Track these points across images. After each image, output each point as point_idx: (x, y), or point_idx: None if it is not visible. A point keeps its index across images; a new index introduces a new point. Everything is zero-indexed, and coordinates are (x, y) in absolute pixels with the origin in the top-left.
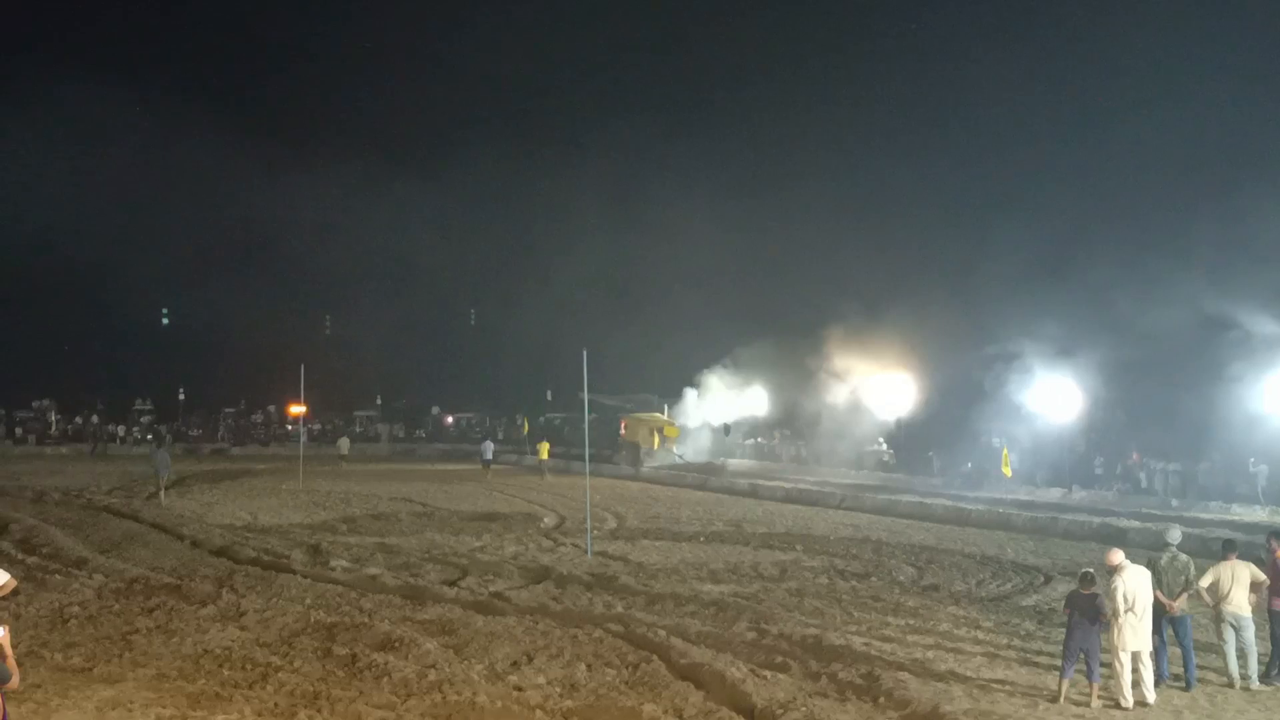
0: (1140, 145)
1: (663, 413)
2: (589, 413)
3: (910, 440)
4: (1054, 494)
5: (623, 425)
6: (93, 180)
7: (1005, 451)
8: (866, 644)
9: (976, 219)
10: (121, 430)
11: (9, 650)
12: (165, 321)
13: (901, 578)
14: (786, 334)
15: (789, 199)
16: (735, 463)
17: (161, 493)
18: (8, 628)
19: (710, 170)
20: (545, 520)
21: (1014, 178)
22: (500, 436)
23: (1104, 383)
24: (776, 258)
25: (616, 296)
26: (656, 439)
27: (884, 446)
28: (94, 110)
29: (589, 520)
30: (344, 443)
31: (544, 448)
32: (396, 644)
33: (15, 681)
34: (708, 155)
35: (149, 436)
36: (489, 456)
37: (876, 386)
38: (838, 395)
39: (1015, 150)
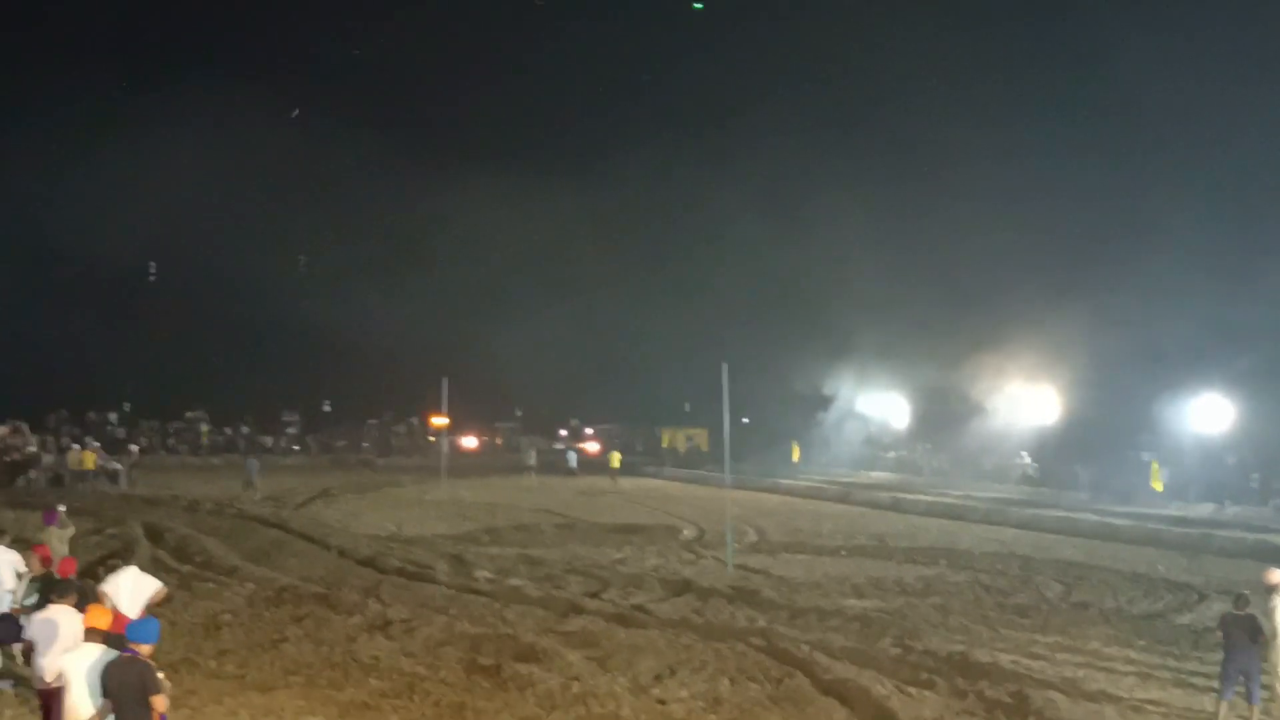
0: None
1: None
2: (729, 425)
3: (1055, 453)
4: (1206, 509)
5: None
6: (241, 191)
7: (1155, 465)
8: (1014, 662)
9: (1135, 223)
10: (270, 441)
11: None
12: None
13: (1049, 594)
14: (929, 344)
15: (933, 205)
16: (876, 475)
17: (256, 492)
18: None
19: (858, 181)
20: (685, 533)
21: (1181, 179)
22: (640, 449)
23: (1258, 393)
24: (922, 267)
25: (758, 307)
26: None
27: (1028, 460)
28: (238, 120)
29: (730, 533)
30: (533, 453)
31: (615, 457)
32: (540, 656)
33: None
34: (858, 168)
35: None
36: (573, 465)
37: (1021, 398)
38: (981, 407)
39: (1182, 150)
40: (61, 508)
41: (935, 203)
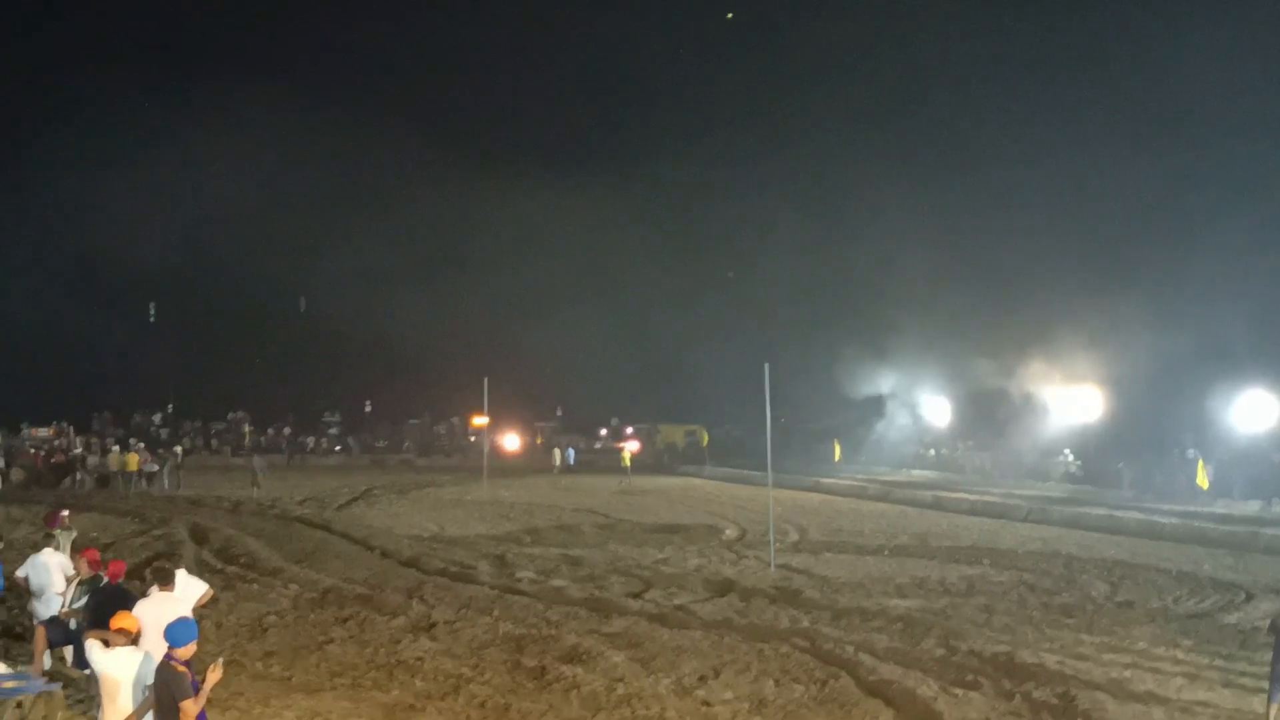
0: None
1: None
2: (771, 425)
3: (1098, 451)
4: (1252, 507)
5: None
6: (285, 194)
7: (1200, 462)
8: (1060, 662)
9: (1179, 221)
10: (311, 441)
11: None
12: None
13: (1094, 594)
14: (972, 342)
15: (978, 203)
16: (918, 474)
17: (260, 490)
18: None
19: (902, 179)
20: (727, 532)
21: (1225, 176)
22: (681, 446)
23: None
24: (966, 265)
25: (800, 305)
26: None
27: (1070, 458)
28: (281, 124)
29: (771, 533)
30: (555, 453)
31: (626, 455)
32: (584, 657)
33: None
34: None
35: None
36: (571, 463)
37: (1063, 396)
38: (1023, 405)
39: (1227, 148)
40: (65, 512)
41: (979, 200)
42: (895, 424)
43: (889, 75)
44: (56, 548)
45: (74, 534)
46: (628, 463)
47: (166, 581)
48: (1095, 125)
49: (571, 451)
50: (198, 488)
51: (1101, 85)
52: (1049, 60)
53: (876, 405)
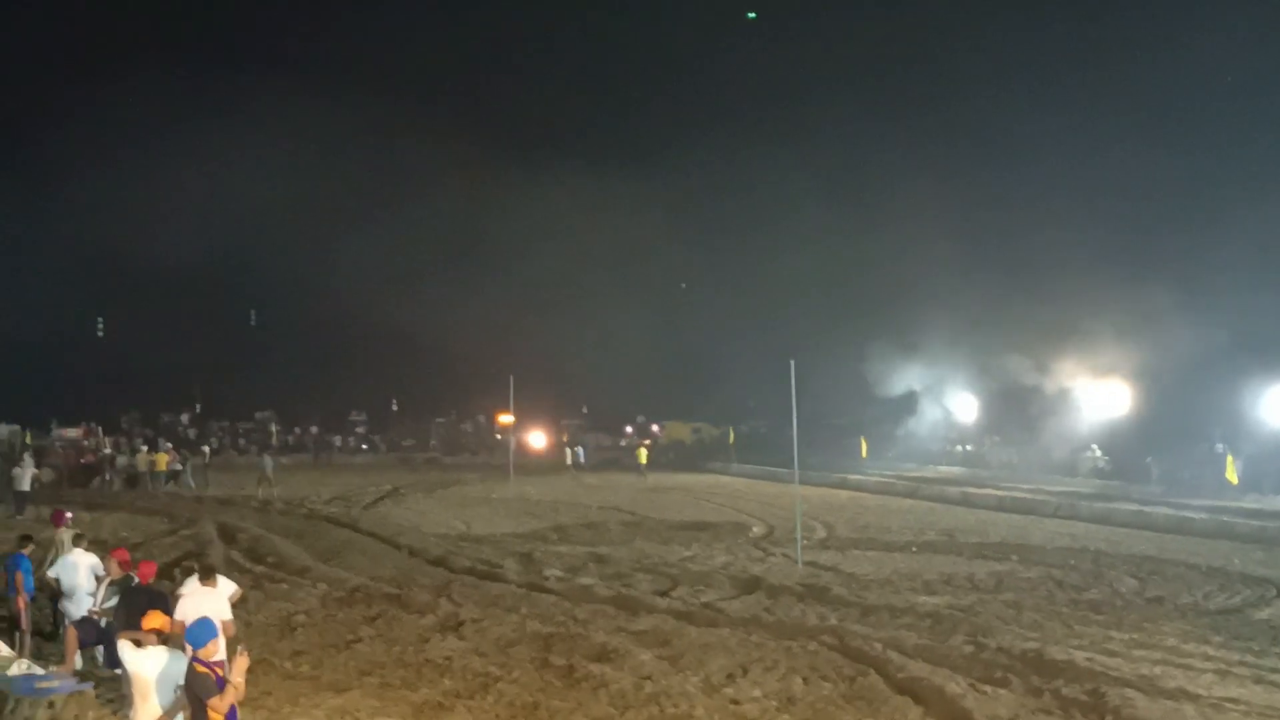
0: None
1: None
2: (796, 422)
3: (1127, 446)
4: None
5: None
6: (310, 194)
7: (1230, 457)
8: (1090, 659)
9: (1206, 213)
10: (338, 440)
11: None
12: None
13: (1123, 589)
14: (999, 337)
15: (1005, 196)
16: (945, 470)
17: (260, 489)
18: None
19: (929, 174)
20: (754, 529)
21: (1255, 169)
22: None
23: None
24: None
25: (827, 301)
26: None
27: (1099, 453)
28: (305, 123)
29: (799, 530)
30: (568, 453)
31: (642, 452)
32: (612, 655)
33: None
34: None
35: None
36: (582, 461)
37: (1091, 391)
38: (1051, 400)
39: (1256, 140)
40: (69, 514)
41: (1007, 192)
42: (922, 420)
43: (917, 67)
44: (81, 548)
45: (75, 533)
46: (644, 460)
47: (209, 576)
48: (1125, 115)
49: (581, 450)
50: (226, 487)
51: (1132, 75)
52: (1077, 51)
53: (904, 401)
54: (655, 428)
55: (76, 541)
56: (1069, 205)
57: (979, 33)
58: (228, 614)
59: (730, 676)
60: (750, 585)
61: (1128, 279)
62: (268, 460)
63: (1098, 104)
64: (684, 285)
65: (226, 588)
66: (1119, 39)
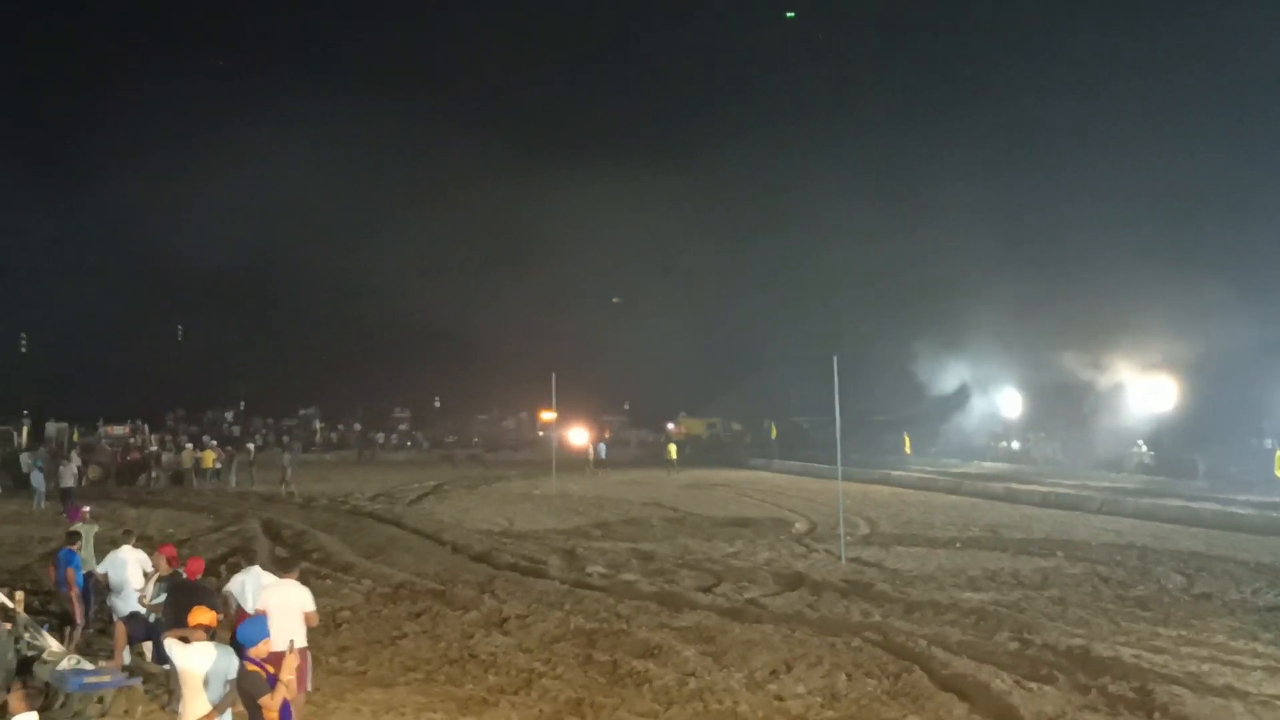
0: None
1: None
2: (840, 417)
3: (1172, 441)
4: None
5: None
6: (352, 193)
7: (1278, 453)
8: (1136, 656)
9: (1254, 207)
10: (381, 437)
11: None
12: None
13: (1170, 586)
14: (1043, 332)
15: (1050, 194)
16: (988, 465)
17: (284, 486)
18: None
19: (973, 171)
20: (796, 525)
21: None
22: (748, 440)
23: None
24: (1036, 254)
25: (869, 297)
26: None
27: (1144, 448)
28: (349, 123)
29: (841, 526)
30: (600, 448)
31: (671, 449)
32: (656, 651)
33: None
34: (973, 159)
35: (284, 441)
36: (603, 456)
37: (1137, 386)
38: (1096, 395)
39: None
40: (86, 508)
41: (1051, 189)
42: (966, 415)
43: (960, 66)
44: (130, 544)
45: (95, 528)
46: (673, 455)
47: (288, 568)
48: (1175, 111)
49: (603, 446)
50: (270, 484)
51: (1181, 71)
52: (1125, 48)
53: (947, 396)
54: (670, 425)
55: (124, 538)
56: (1115, 201)
57: (1023, 30)
58: (310, 604)
59: (774, 673)
60: (793, 581)
61: (1174, 274)
62: (286, 457)
63: (1146, 100)
64: (723, 281)
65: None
66: (1168, 35)
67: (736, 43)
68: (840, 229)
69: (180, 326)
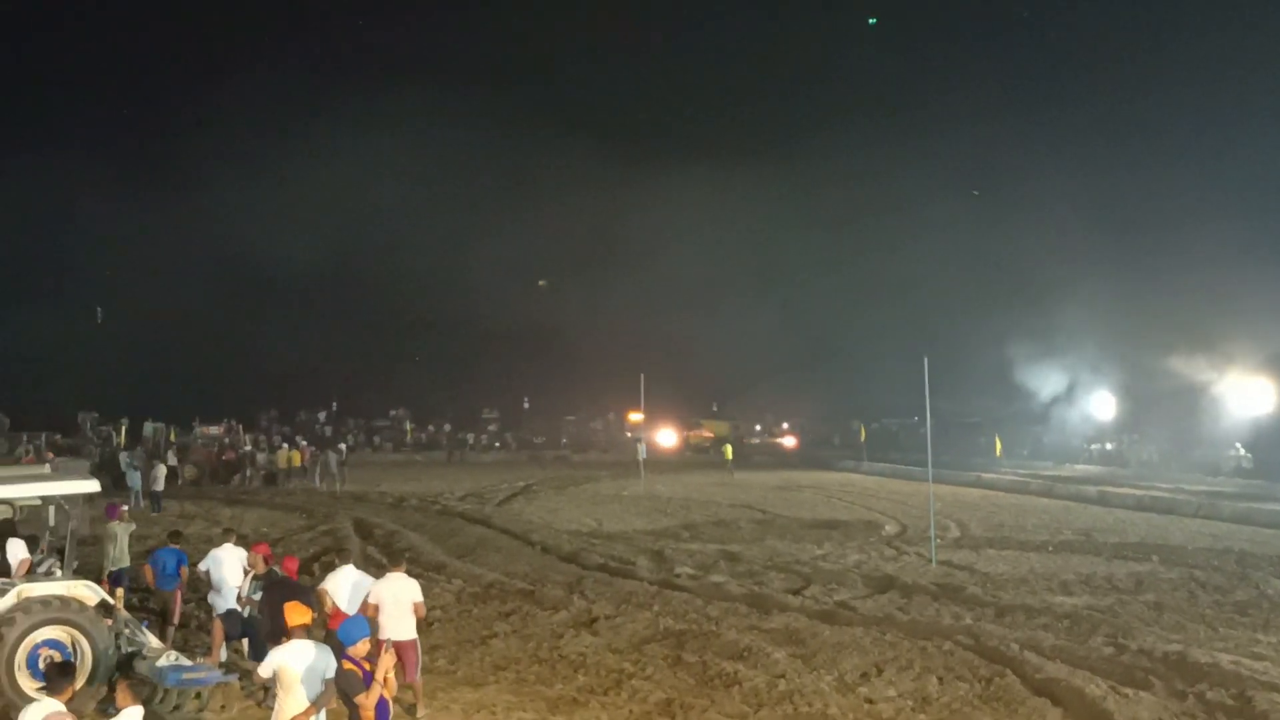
0: None
1: None
2: (930, 419)
3: (1271, 444)
4: None
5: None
6: (444, 195)
7: None
8: (1235, 662)
9: None
10: (470, 438)
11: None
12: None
13: (1270, 591)
14: (1139, 334)
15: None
16: (1081, 468)
17: (324, 484)
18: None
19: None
20: (886, 528)
21: None
22: (837, 441)
23: None
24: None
25: (963, 299)
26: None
27: (1242, 451)
28: (436, 124)
29: (933, 528)
30: (641, 448)
31: (728, 449)
32: (745, 653)
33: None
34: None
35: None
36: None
37: (1235, 388)
38: (1192, 398)
39: None
40: (125, 506)
41: (1148, 189)
42: (1059, 417)
43: (1055, 66)
44: (230, 542)
45: (132, 526)
46: (730, 456)
47: (398, 562)
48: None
49: (643, 445)
50: (361, 483)
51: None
52: (1233, 42)
53: (1039, 398)
54: (785, 425)
55: (224, 536)
56: (1214, 201)
57: (1128, 25)
58: (419, 595)
59: (864, 675)
60: (883, 584)
61: (1275, 273)
62: (332, 457)
63: (1253, 93)
64: (812, 282)
65: (366, 584)
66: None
67: (823, 46)
68: (933, 226)
69: (268, 327)
